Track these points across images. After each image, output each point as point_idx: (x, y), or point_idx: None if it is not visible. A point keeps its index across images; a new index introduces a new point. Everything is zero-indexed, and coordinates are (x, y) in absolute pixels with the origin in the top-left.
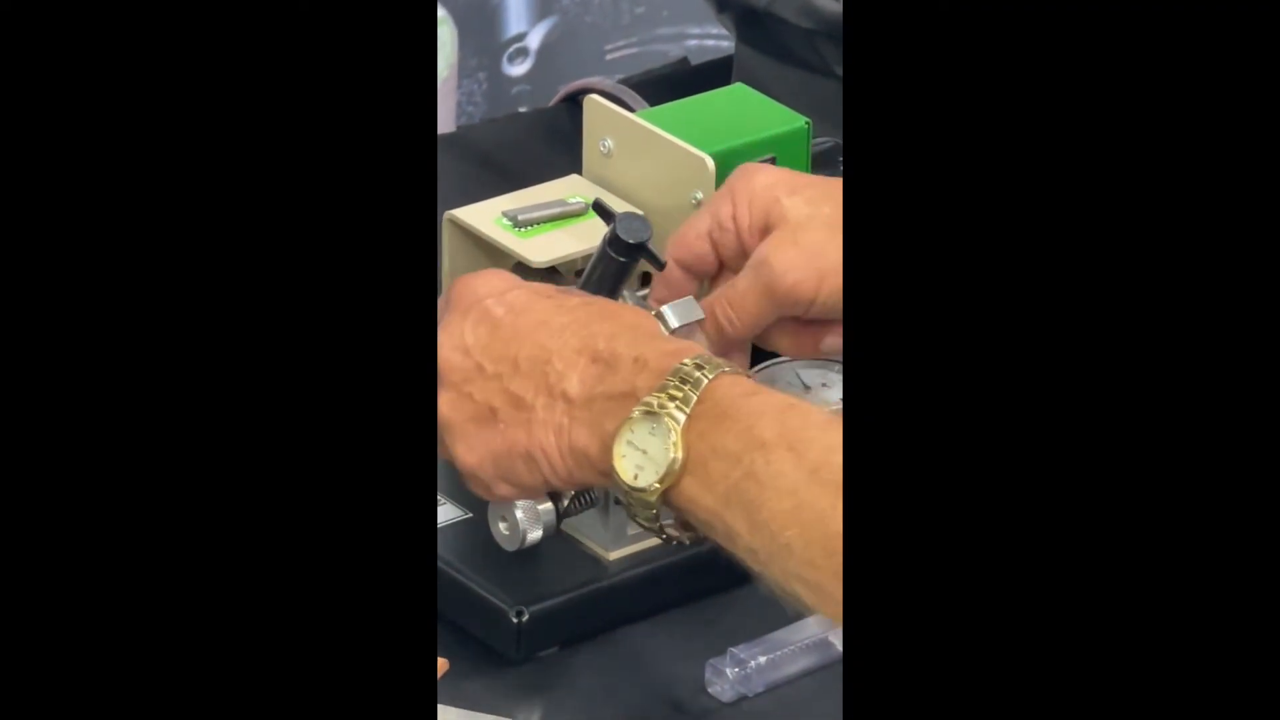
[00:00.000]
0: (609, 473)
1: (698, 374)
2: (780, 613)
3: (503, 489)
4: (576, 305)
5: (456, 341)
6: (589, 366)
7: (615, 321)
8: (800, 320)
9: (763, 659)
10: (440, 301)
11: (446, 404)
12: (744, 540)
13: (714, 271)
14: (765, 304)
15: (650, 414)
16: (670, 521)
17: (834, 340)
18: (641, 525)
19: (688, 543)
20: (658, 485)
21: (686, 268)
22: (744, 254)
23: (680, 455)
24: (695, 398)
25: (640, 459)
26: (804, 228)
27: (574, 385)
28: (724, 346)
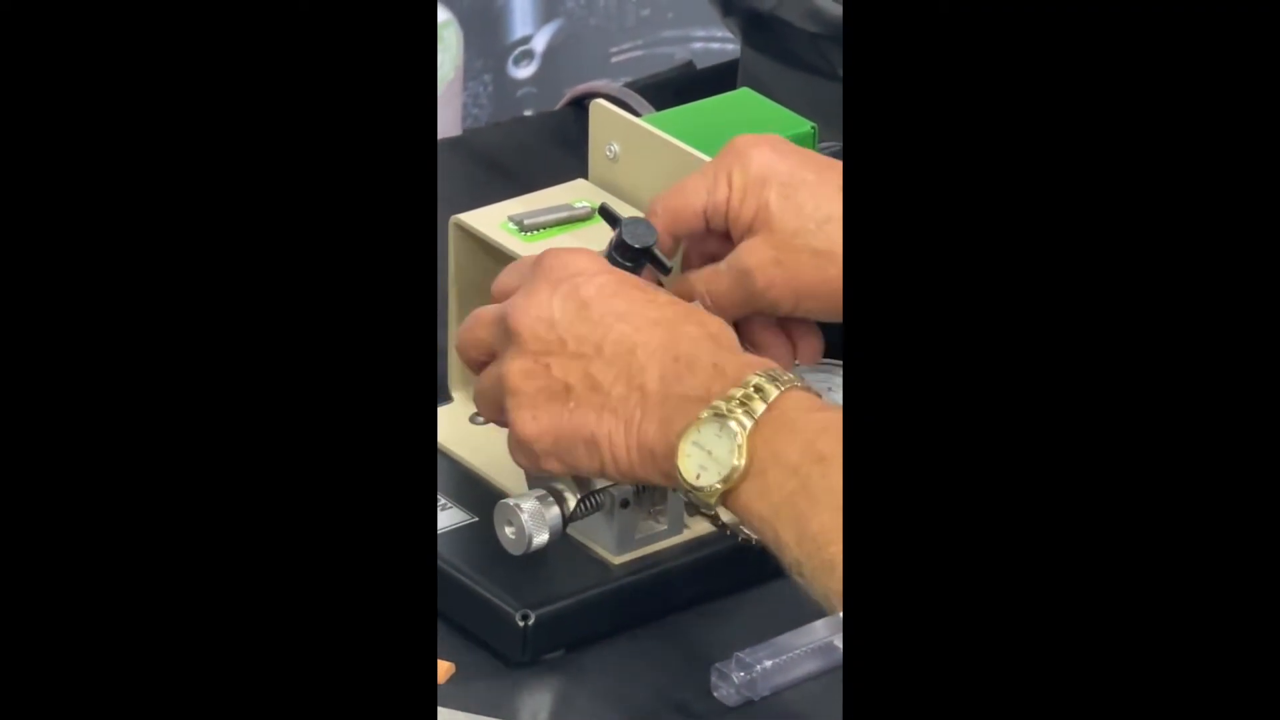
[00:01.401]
0: (670, 471)
1: (770, 386)
2: (786, 617)
3: (552, 464)
4: (666, 303)
5: (543, 313)
6: (670, 364)
7: (701, 327)
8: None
9: (768, 663)
10: (508, 274)
11: (519, 371)
12: (791, 552)
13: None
14: (743, 306)
15: (719, 416)
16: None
17: (809, 348)
18: (703, 516)
19: (750, 540)
20: (719, 487)
21: (677, 237)
22: (728, 235)
23: (743, 461)
24: (764, 407)
25: (704, 459)
26: (789, 246)
27: (653, 380)
28: None
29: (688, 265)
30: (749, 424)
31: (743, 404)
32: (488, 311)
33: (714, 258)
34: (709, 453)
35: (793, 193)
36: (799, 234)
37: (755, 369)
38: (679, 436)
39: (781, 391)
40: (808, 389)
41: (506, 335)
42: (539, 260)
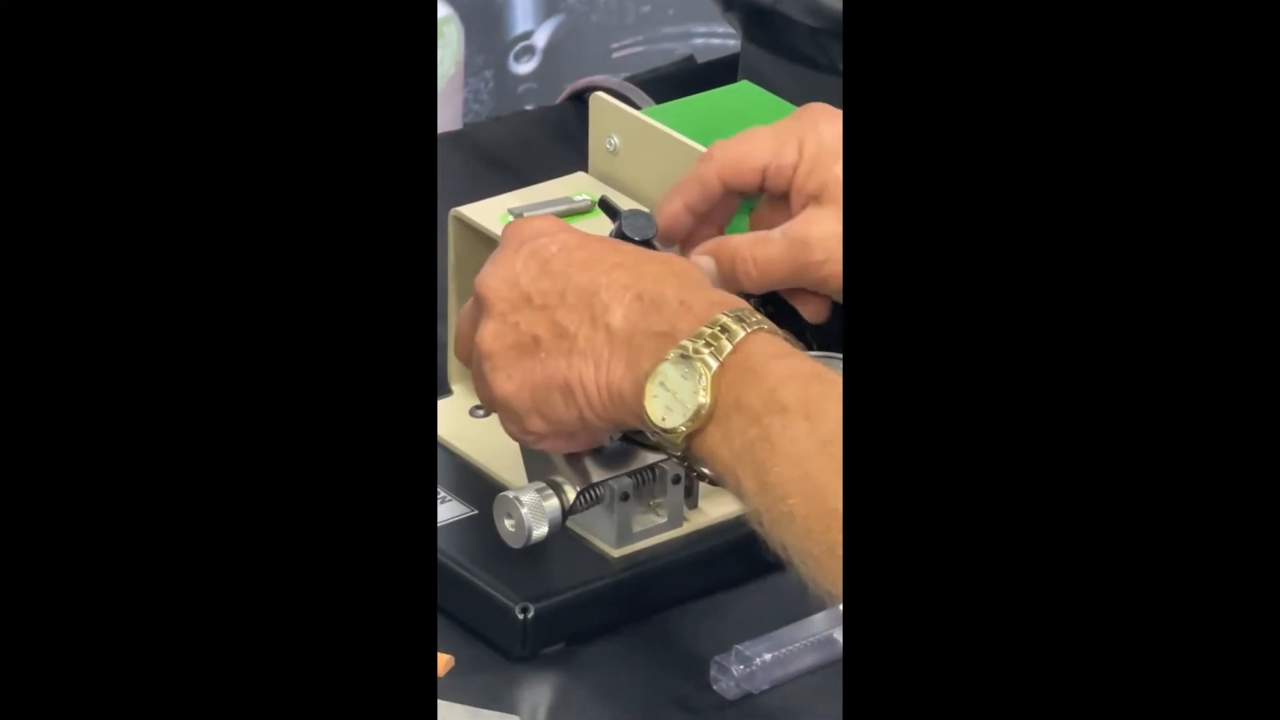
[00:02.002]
0: (640, 413)
1: (736, 326)
2: (785, 610)
3: (536, 422)
4: (630, 250)
5: (506, 274)
6: (634, 303)
7: (666, 266)
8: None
9: (768, 656)
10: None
11: (490, 334)
12: (752, 500)
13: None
14: (792, 278)
15: (685, 358)
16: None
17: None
18: (674, 458)
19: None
20: (684, 428)
21: (728, 186)
22: (786, 202)
23: (708, 402)
24: (730, 348)
25: (670, 400)
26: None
27: (618, 319)
28: (729, 289)
29: (691, 243)
30: (715, 365)
31: (709, 344)
32: (468, 303)
33: (721, 230)
34: (674, 394)
35: None
36: None
37: (723, 307)
38: (646, 376)
39: (748, 333)
40: (774, 331)
41: (478, 306)
42: (504, 231)
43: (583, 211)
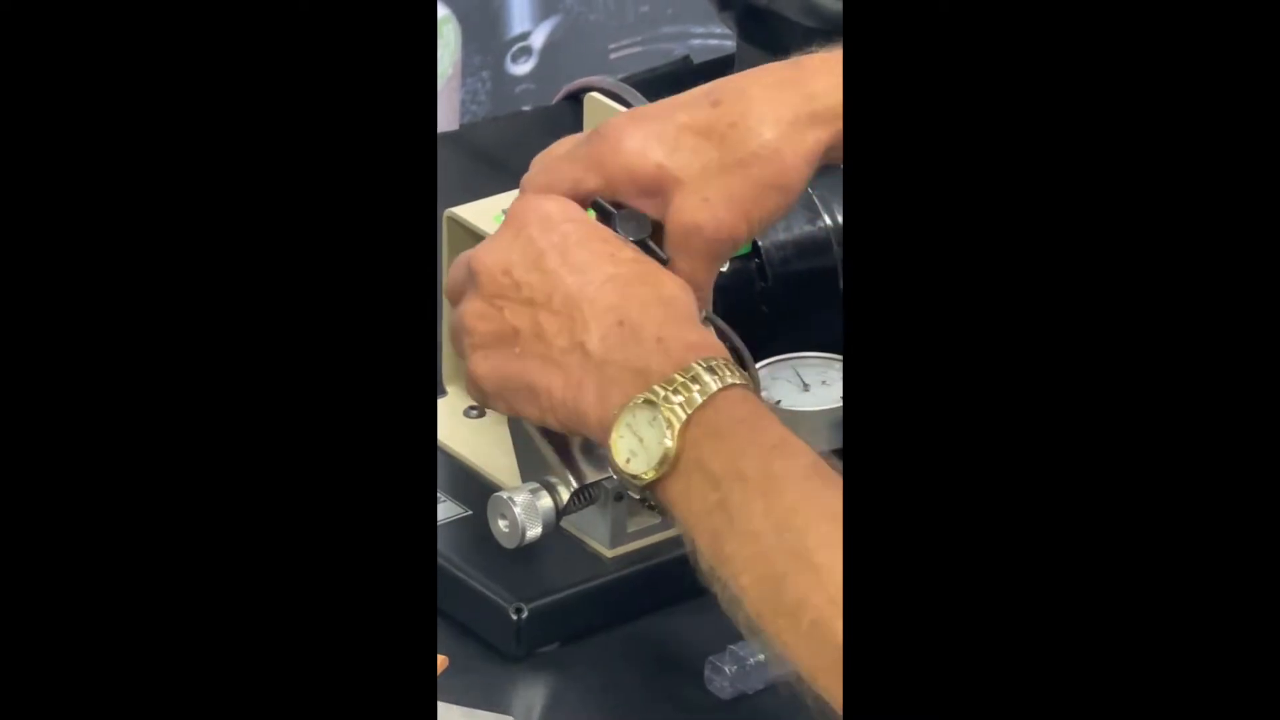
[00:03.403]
0: (604, 441)
1: (708, 378)
2: None
3: (499, 406)
4: (628, 260)
5: (501, 256)
6: (614, 329)
7: (655, 290)
8: None
9: (762, 656)
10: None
11: (474, 312)
12: (706, 564)
13: None
14: (713, 268)
15: (651, 404)
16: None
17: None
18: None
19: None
20: (648, 475)
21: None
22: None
23: (672, 453)
24: (699, 401)
25: (635, 445)
26: (705, 180)
27: (594, 341)
28: None
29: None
30: (683, 417)
31: (680, 391)
32: (463, 255)
33: None
34: (640, 440)
35: (677, 145)
36: (705, 166)
37: (700, 352)
38: (613, 415)
39: (719, 388)
40: (746, 386)
41: (470, 277)
42: (512, 205)
43: None
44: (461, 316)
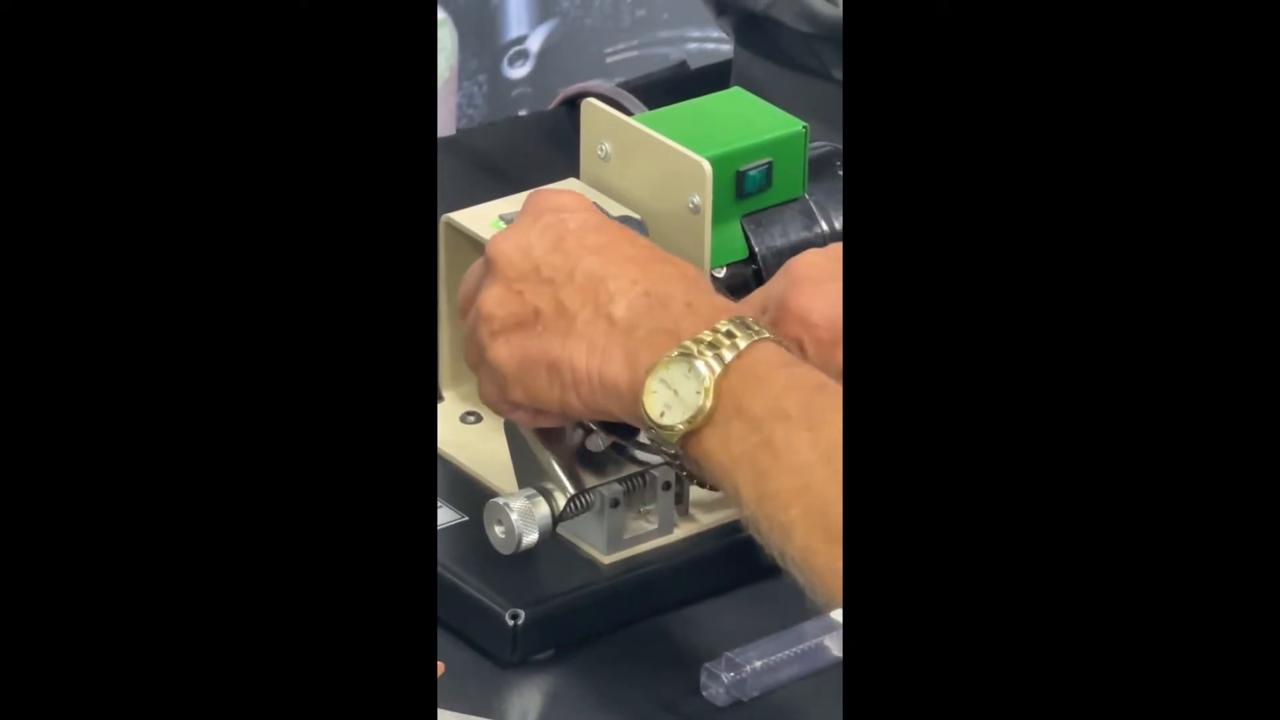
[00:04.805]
0: (633, 407)
1: (740, 333)
2: (775, 617)
3: (517, 393)
4: (645, 244)
5: (520, 242)
6: (640, 298)
7: (676, 268)
8: None
9: (758, 664)
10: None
11: (493, 298)
12: (749, 508)
13: None
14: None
15: (688, 356)
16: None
17: None
18: (665, 458)
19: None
20: (681, 428)
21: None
22: None
23: (709, 404)
24: (733, 354)
25: (670, 398)
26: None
27: (621, 310)
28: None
29: None
30: (718, 368)
31: (712, 347)
32: (473, 267)
33: None
34: (675, 392)
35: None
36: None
37: (729, 313)
38: (646, 371)
39: (752, 341)
40: (778, 342)
41: (486, 267)
42: (527, 198)
43: None
44: (479, 306)
